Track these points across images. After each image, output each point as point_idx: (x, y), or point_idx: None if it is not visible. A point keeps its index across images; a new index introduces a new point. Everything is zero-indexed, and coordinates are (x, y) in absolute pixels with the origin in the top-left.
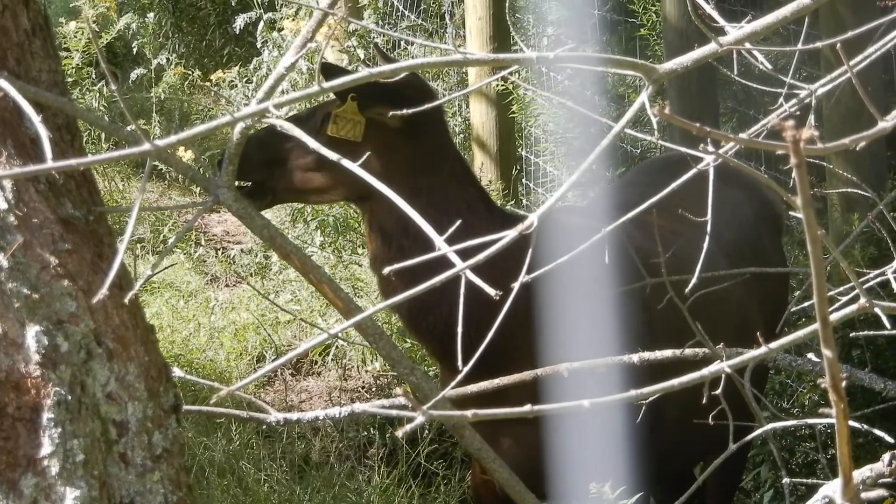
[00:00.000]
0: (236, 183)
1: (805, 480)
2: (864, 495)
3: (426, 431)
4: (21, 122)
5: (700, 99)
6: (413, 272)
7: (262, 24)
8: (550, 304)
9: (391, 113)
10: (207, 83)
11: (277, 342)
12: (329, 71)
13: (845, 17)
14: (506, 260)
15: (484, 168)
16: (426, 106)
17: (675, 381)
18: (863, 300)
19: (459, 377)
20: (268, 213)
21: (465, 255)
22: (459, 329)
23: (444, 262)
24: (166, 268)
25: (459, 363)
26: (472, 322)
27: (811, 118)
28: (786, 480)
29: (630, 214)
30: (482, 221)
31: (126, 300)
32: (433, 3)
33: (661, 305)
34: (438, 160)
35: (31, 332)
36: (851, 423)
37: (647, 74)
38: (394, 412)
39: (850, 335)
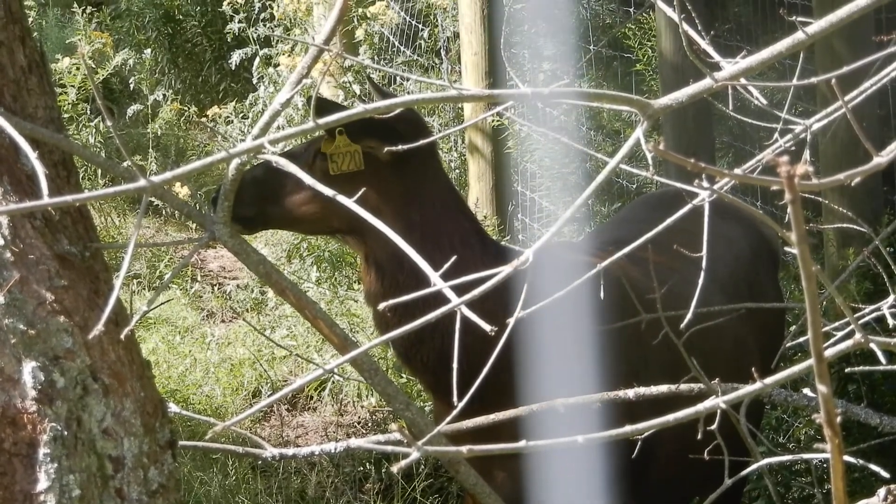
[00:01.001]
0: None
1: None
2: None
3: (422, 466)
4: (17, 158)
5: (696, 134)
6: (408, 306)
7: (257, 60)
8: (544, 338)
9: (386, 149)
10: (203, 119)
11: (273, 377)
12: (323, 107)
13: (841, 52)
14: (500, 294)
15: (480, 203)
16: (420, 142)
17: (670, 417)
18: (858, 336)
19: (455, 412)
20: (264, 250)
21: (459, 289)
22: (455, 364)
23: (438, 295)
24: (162, 304)
25: (455, 398)
26: (465, 356)
27: (807, 153)
28: None
29: (625, 250)
30: (476, 255)
31: (122, 336)
32: (429, 39)
33: (656, 341)
34: (432, 193)
35: (28, 368)
36: (847, 458)
37: (642, 110)
38: (389, 448)
39: (846, 370)
